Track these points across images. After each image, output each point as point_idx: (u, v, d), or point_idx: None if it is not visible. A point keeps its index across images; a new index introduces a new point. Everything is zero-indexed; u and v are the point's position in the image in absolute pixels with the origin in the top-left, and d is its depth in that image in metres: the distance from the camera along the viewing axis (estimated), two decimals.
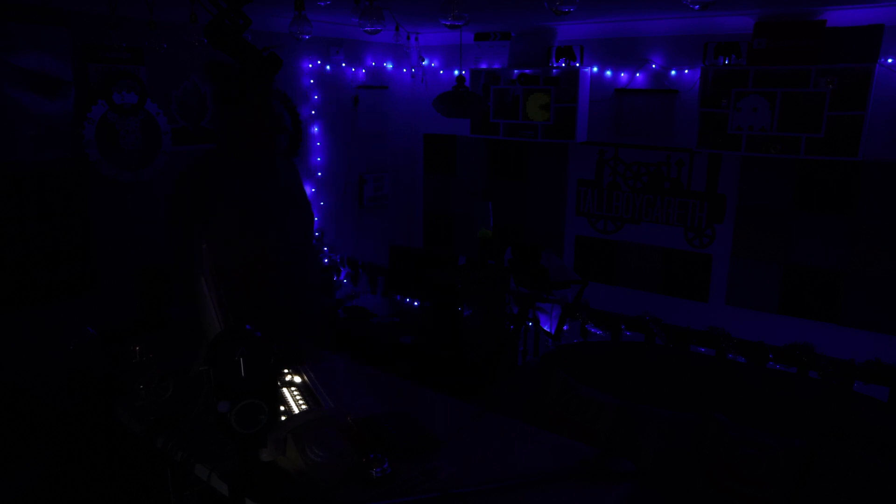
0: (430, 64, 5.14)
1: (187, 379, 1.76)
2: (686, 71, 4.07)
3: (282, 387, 1.71)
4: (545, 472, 1.41)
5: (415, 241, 5.55)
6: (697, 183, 4.20)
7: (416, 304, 4.16)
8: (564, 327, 3.48)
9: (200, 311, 1.55)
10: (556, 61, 4.43)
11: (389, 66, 5.07)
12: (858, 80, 3.37)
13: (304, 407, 1.63)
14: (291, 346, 2.01)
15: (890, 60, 3.40)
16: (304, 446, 1.37)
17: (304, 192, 2.68)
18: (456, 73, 4.48)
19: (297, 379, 1.76)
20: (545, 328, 3.53)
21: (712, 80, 3.82)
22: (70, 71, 3.26)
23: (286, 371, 1.79)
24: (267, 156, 2.51)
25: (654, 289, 4.48)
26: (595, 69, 4.43)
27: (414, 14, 3.89)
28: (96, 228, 3.49)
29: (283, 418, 1.40)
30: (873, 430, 2.29)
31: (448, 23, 2.40)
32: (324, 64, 4.62)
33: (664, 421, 2.44)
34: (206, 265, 1.62)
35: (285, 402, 1.64)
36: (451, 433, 1.57)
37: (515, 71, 4.58)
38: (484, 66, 4.79)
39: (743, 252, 4.11)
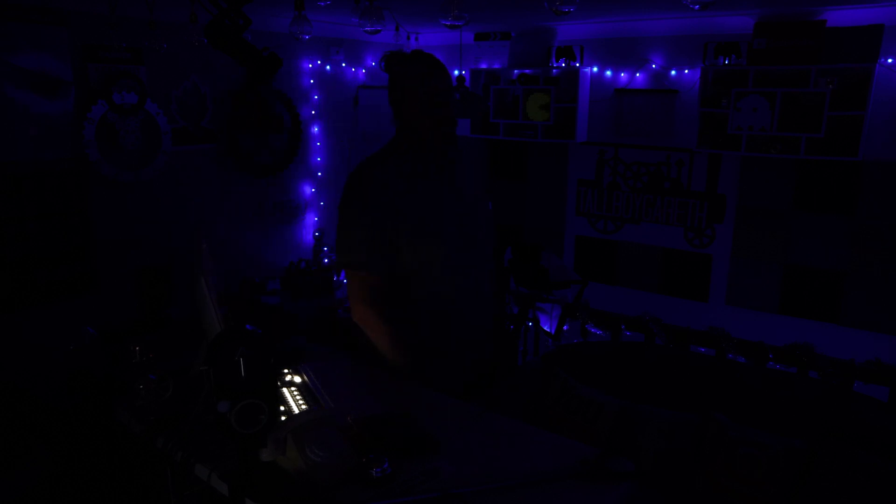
0: None
1: (187, 379, 1.76)
2: (686, 71, 4.08)
3: (282, 387, 1.71)
4: (545, 472, 1.41)
5: None
6: (697, 183, 4.20)
7: None
8: (564, 327, 3.48)
9: (200, 311, 1.55)
10: (556, 61, 4.43)
11: None
12: (858, 80, 3.37)
13: (304, 407, 1.63)
14: (291, 345, 2.01)
15: (890, 60, 3.40)
16: (304, 446, 1.37)
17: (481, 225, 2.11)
18: (456, 73, 4.48)
19: (297, 379, 1.76)
20: (545, 328, 3.52)
21: (712, 80, 3.82)
22: (70, 71, 3.26)
23: (286, 371, 1.79)
24: (435, 160, 2.03)
25: (654, 289, 4.48)
26: (595, 69, 4.43)
27: (414, 14, 3.89)
28: (96, 228, 3.49)
29: (283, 418, 1.40)
30: (873, 430, 2.29)
31: (448, 23, 2.40)
32: (324, 64, 4.62)
33: (664, 421, 2.44)
34: (206, 265, 1.62)
35: (285, 402, 1.64)
36: (451, 433, 1.57)
37: (515, 71, 4.58)
38: (484, 66, 4.79)
39: (743, 252, 4.11)
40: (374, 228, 1.92)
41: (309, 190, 4.71)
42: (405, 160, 2.01)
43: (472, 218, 2.06)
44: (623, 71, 4.34)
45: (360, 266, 1.92)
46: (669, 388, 2.68)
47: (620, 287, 4.62)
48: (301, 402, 1.65)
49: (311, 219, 4.77)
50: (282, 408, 1.56)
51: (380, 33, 2.90)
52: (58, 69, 3.22)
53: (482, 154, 5.06)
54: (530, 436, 1.60)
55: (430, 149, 2.01)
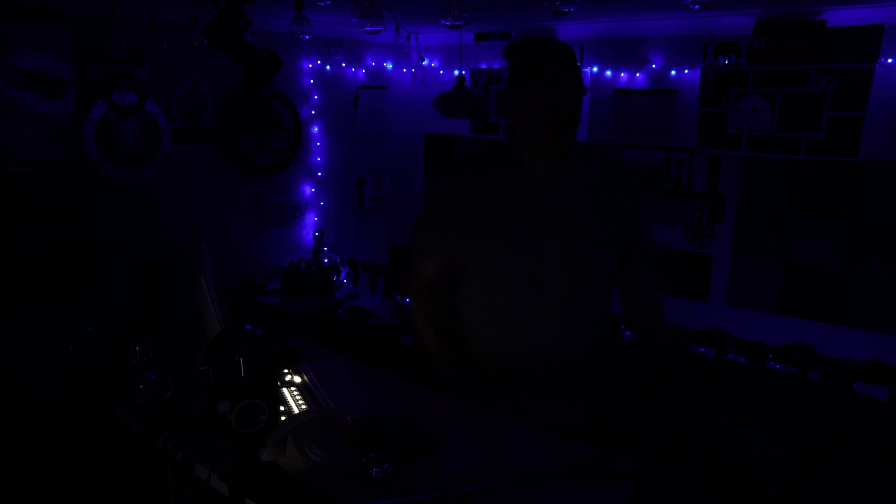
0: (430, 64, 5.14)
1: (187, 379, 1.76)
2: (686, 71, 4.07)
3: (282, 387, 1.70)
4: (545, 472, 1.41)
5: None
6: (697, 183, 4.20)
7: None
8: None
9: (200, 311, 1.55)
10: None
11: (389, 66, 5.07)
12: (858, 80, 3.37)
13: (304, 407, 1.63)
14: (291, 345, 2.01)
15: (890, 60, 3.40)
16: (304, 446, 1.37)
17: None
18: (456, 73, 4.48)
19: (297, 379, 1.76)
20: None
21: (712, 80, 3.82)
22: (70, 71, 3.26)
23: (286, 371, 1.79)
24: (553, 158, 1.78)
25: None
26: (595, 69, 4.43)
27: (414, 14, 3.89)
28: (96, 228, 3.49)
29: (283, 418, 1.40)
30: (873, 430, 2.29)
31: (448, 23, 2.41)
32: (324, 64, 4.62)
33: (664, 421, 2.44)
34: (206, 265, 1.62)
35: (285, 402, 1.64)
36: (451, 433, 1.57)
37: None
38: (484, 66, 4.79)
39: (743, 252, 4.11)
40: (435, 223, 1.85)
41: (309, 190, 4.71)
42: (489, 167, 1.82)
43: (556, 238, 1.76)
44: (623, 71, 4.34)
45: (418, 250, 1.89)
46: (669, 388, 2.69)
47: None
48: (301, 402, 1.65)
49: (311, 219, 4.77)
50: (282, 408, 1.56)
51: (380, 33, 2.90)
52: (58, 69, 3.22)
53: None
54: (530, 436, 1.60)
55: (534, 161, 1.78)
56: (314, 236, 4.70)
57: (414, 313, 1.95)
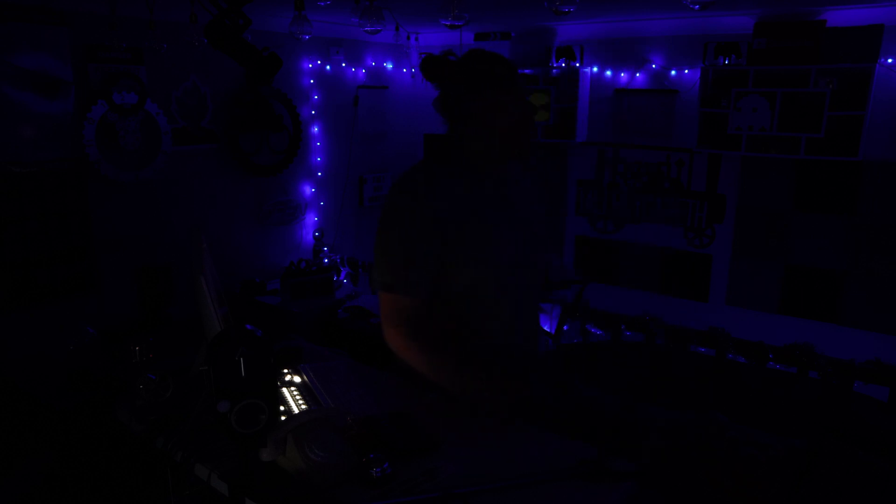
0: None
1: (187, 379, 1.76)
2: (686, 71, 4.07)
3: (282, 387, 1.70)
4: (545, 472, 1.41)
5: None
6: (697, 183, 4.20)
7: None
8: (564, 327, 3.48)
9: (200, 311, 1.55)
10: (556, 61, 4.43)
11: (389, 66, 5.07)
12: (858, 80, 3.37)
13: (304, 407, 1.63)
14: (291, 345, 2.01)
15: (890, 60, 3.40)
16: (304, 446, 1.37)
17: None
18: None
19: (297, 379, 1.76)
20: (545, 328, 3.52)
21: (712, 80, 3.82)
22: (70, 71, 3.26)
23: (286, 371, 1.79)
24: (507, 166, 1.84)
25: (655, 289, 4.48)
26: (595, 69, 4.43)
27: (414, 14, 3.89)
28: (96, 228, 3.49)
29: (283, 418, 1.40)
30: (873, 430, 2.29)
31: (448, 23, 2.41)
32: (324, 64, 4.62)
33: (664, 421, 2.44)
34: (206, 265, 1.62)
35: (285, 402, 1.64)
36: (451, 433, 1.57)
37: None
38: None
39: (743, 252, 4.11)
40: (415, 250, 1.71)
41: (309, 190, 4.71)
42: (455, 176, 1.76)
43: (527, 236, 1.85)
44: (623, 71, 4.34)
45: (396, 288, 1.74)
46: (669, 388, 2.69)
47: (620, 287, 4.62)
48: (301, 402, 1.65)
49: (311, 219, 4.77)
50: (282, 408, 1.56)
51: (380, 33, 2.90)
52: (58, 69, 3.22)
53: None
54: (530, 436, 1.60)
55: (491, 166, 1.80)
56: (314, 236, 4.70)
57: (411, 354, 1.76)
